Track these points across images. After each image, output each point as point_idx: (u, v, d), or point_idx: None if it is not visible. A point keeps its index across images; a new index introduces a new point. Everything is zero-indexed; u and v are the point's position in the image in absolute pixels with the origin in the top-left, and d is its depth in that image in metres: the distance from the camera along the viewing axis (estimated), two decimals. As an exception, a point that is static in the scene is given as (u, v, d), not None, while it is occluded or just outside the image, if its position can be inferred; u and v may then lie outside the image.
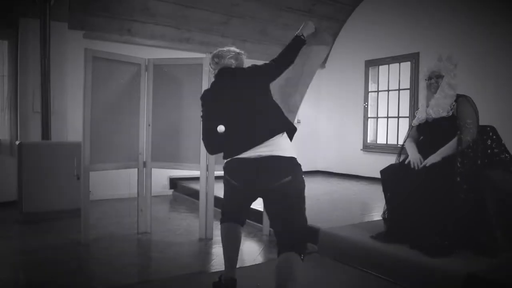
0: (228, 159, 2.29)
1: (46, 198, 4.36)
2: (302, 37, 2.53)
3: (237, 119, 2.27)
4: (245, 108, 2.28)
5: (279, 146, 2.20)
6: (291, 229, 2.15)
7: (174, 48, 6.11)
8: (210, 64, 2.55)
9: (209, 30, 6.36)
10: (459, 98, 3.03)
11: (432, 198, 2.83)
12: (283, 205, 2.15)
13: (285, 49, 2.50)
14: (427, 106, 3.12)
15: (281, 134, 2.24)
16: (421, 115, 3.18)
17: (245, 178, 2.24)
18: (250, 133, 2.22)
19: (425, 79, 3.17)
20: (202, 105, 2.44)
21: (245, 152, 2.18)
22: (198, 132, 3.79)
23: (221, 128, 2.23)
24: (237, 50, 2.50)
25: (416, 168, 2.97)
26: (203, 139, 2.43)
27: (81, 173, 3.56)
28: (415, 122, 3.23)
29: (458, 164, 2.79)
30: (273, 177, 2.14)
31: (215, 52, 2.51)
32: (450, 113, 2.99)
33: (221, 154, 2.41)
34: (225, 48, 2.50)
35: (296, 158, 2.25)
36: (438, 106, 3.02)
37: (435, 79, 3.09)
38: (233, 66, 2.45)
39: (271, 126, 2.24)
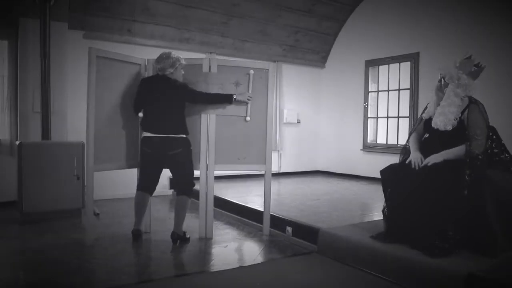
0: (145, 135, 3.54)
1: (46, 198, 4.35)
2: (234, 99, 3.69)
3: (158, 112, 3.53)
4: (167, 108, 3.52)
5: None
6: (182, 180, 3.63)
7: (174, 48, 6.09)
8: (154, 64, 3.63)
9: (209, 30, 6.36)
10: (471, 104, 2.98)
11: (432, 198, 2.82)
12: (177, 165, 3.59)
13: (214, 96, 3.68)
14: (437, 106, 3.09)
15: (181, 135, 3.54)
16: (430, 109, 3.17)
17: (155, 147, 3.51)
18: (164, 126, 3.50)
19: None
20: (139, 86, 3.64)
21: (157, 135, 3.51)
22: (198, 132, 3.80)
23: (140, 114, 3.66)
24: (176, 57, 3.56)
25: (417, 168, 2.97)
26: (133, 106, 3.70)
27: (85, 173, 3.57)
28: (425, 116, 3.19)
29: (467, 177, 2.77)
30: (170, 147, 3.50)
31: (158, 57, 3.58)
32: (456, 124, 2.95)
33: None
34: (170, 56, 3.54)
35: (187, 139, 3.58)
36: (444, 116, 2.97)
37: (442, 82, 3.07)
38: (167, 73, 3.54)
39: (176, 128, 3.53)
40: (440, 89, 3.10)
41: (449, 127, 2.96)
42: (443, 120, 2.98)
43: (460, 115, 2.97)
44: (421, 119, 3.28)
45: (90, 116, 3.47)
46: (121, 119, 3.75)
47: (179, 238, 3.58)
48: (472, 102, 3.00)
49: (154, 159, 3.57)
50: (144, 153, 3.59)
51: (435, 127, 3.03)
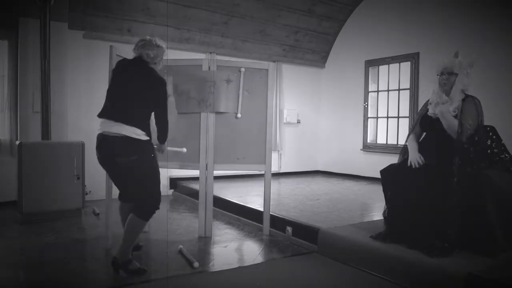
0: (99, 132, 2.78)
1: (46, 198, 4.35)
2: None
3: (117, 98, 2.81)
4: (130, 95, 2.79)
5: (133, 131, 2.71)
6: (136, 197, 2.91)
7: (174, 48, 6.10)
8: (135, 45, 2.93)
9: (209, 30, 6.36)
10: (467, 98, 2.99)
11: (431, 198, 2.82)
12: (126, 178, 2.93)
13: (164, 129, 3.00)
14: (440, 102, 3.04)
15: (134, 126, 2.71)
16: (432, 99, 3.12)
17: (102, 151, 2.81)
18: (119, 113, 2.73)
19: (437, 74, 3.08)
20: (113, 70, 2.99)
21: (107, 126, 2.73)
22: (197, 132, 3.80)
23: None
24: (159, 43, 2.96)
25: (413, 167, 2.97)
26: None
27: (85, 173, 3.52)
28: (431, 111, 3.10)
29: (456, 163, 2.77)
30: (119, 152, 2.74)
31: (145, 39, 2.93)
32: (454, 114, 2.95)
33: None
34: (154, 41, 2.93)
35: (146, 142, 2.79)
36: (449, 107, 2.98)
37: (446, 75, 3.01)
38: (145, 58, 2.87)
39: (132, 121, 2.72)
40: (440, 83, 3.05)
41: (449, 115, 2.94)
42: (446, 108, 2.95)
43: (456, 110, 2.97)
44: (418, 118, 3.25)
45: None
46: None
47: (120, 267, 2.79)
48: (468, 96, 3.01)
49: (105, 167, 2.93)
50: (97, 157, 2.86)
51: (435, 114, 3.02)
